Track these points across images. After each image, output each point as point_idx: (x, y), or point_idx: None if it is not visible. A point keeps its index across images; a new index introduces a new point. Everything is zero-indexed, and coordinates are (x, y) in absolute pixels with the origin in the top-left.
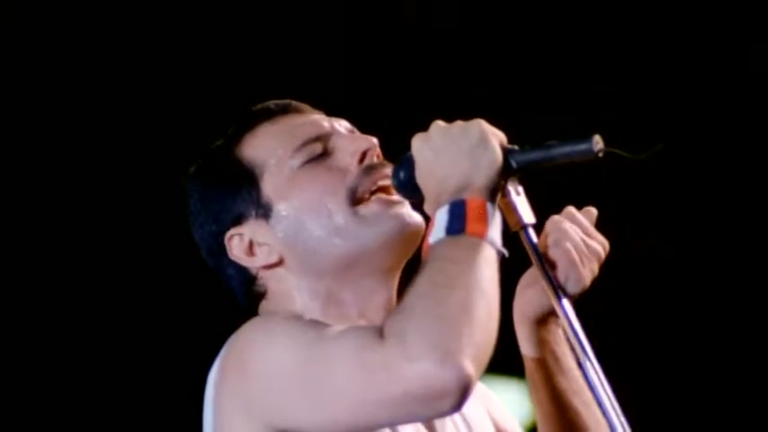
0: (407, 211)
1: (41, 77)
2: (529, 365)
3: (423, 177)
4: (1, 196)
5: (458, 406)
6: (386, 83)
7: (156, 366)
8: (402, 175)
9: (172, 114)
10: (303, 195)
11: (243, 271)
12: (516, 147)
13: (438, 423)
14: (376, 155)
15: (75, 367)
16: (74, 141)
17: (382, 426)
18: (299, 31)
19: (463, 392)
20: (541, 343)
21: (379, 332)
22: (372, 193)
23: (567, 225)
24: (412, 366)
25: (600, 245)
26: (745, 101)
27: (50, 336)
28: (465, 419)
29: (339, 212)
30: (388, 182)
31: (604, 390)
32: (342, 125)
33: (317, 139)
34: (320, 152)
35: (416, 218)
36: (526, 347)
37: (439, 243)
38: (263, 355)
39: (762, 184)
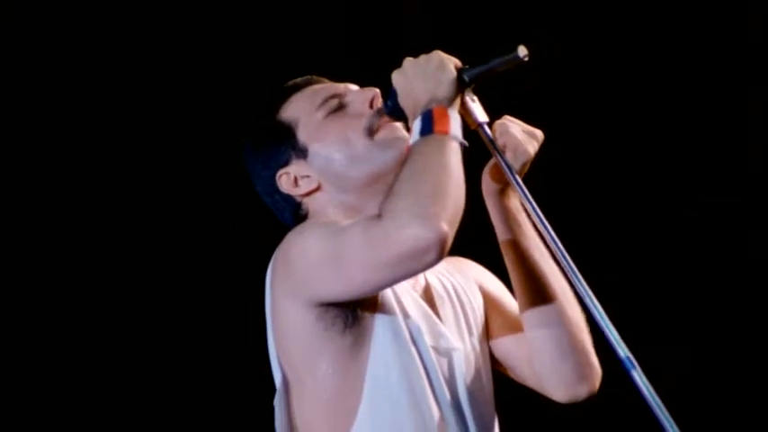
0: (408, 134)
1: (41, 77)
2: (500, 235)
3: (404, 100)
4: (1, 196)
5: (440, 257)
6: (385, 81)
7: (156, 366)
8: (390, 103)
9: (171, 113)
10: (331, 136)
11: (291, 200)
12: (467, 66)
13: (437, 299)
14: (380, 101)
15: (76, 367)
16: (74, 140)
17: (389, 283)
18: (298, 27)
19: (442, 246)
20: (505, 210)
21: (378, 215)
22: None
23: (508, 121)
24: (403, 232)
25: (535, 130)
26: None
27: (51, 336)
28: (458, 295)
29: (359, 144)
30: None
31: (553, 240)
32: (352, 87)
33: (335, 96)
34: (338, 105)
35: None
36: (495, 217)
37: (415, 143)
38: (299, 247)
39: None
